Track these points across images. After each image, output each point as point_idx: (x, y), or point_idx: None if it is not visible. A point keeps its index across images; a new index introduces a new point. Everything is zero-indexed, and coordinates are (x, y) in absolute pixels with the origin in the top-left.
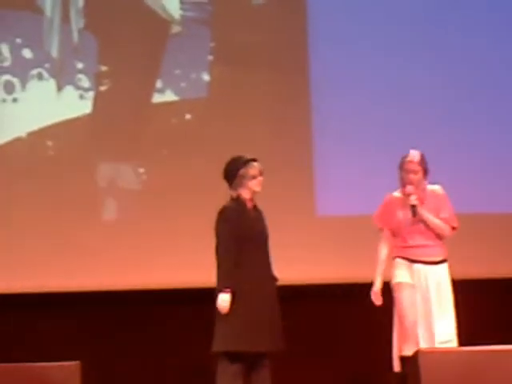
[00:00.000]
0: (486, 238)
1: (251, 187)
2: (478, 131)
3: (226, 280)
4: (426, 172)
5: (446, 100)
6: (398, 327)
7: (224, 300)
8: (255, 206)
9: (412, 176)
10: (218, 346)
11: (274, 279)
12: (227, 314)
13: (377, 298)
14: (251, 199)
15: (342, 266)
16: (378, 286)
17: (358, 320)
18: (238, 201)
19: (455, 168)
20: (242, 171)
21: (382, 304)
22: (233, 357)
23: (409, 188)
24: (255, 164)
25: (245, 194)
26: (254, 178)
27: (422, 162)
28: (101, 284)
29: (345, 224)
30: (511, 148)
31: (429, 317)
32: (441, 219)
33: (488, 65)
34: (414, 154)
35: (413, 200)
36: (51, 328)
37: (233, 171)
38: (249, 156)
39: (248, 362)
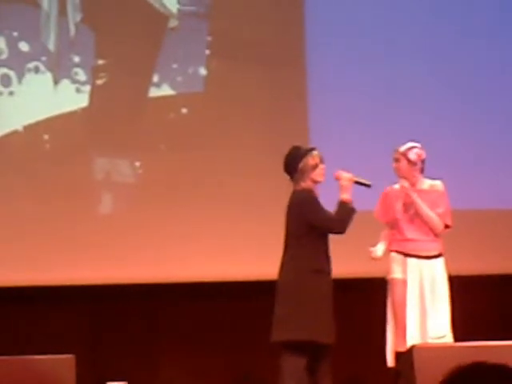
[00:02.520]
0: (483, 234)
1: (314, 178)
2: (473, 126)
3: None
4: (411, 163)
5: (445, 92)
6: (392, 323)
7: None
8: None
9: (395, 164)
10: (294, 334)
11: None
12: (308, 304)
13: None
14: (315, 189)
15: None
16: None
17: (355, 314)
18: (306, 191)
19: (452, 163)
20: (301, 164)
21: (381, 299)
22: (304, 348)
23: (402, 182)
24: (314, 153)
25: (308, 186)
26: (315, 168)
27: (408, 152)
28: (97, 278)
29: None
30: (507, 144)
31: (424, 311)
32: (435, 214)
33: (481, 60)
34: (403, 145)
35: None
36: (45, 321)
37: (292, 165)
38: (307, 146)
39: (315, 353)
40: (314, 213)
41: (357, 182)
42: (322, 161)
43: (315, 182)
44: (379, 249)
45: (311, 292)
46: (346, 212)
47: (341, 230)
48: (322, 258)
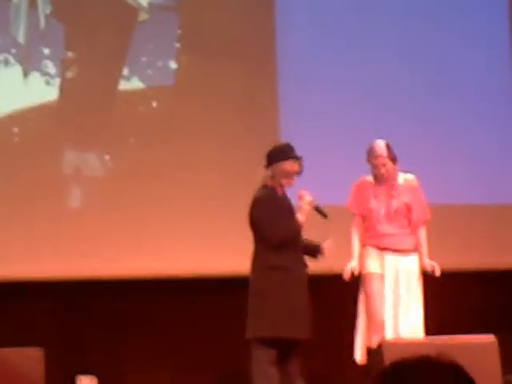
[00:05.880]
0: (458, 229)
1: (282, 183)
2: (446, 122)
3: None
4: (394, 161)
5: (418, 89)
6: (366, 318)
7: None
8: (285, 195)
9: (383, 169)
10: (256, 331)
11: (305, 266)
12: (265, 301)
13: (347, 273)
14: (281, 189)
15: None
16: (352, 264)
17: (328, 311)
18: (268, 190)
19: (425, 158)
20: (280, 163)
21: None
22: (269, 343)
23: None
24: (296, 163)
25: (274, 185)
26: (287, 175)
27: (389, 152)
28: (68, 272)
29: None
30: (483, 139)
31: (397, 307)
32: (414, 221)
33: (457, 59)
34: (380, 147)
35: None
36: (14, 315)
37: (273, 159)
38: (298, 152)
39: (283, 348)
40: (258, 215)
41: (315, 208)
42: (299, 172)
43: (282, 186)
44: (353, 266)
45: (268, 288)
46: (291, 230)
47: (272, 241)
48: (283, 253)
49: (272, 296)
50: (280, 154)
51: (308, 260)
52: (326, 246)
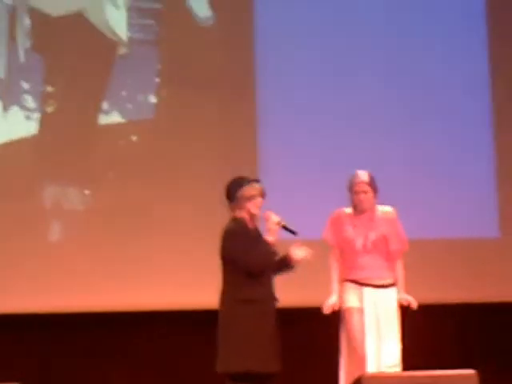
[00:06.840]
0: (434, 263)
1: (248, 209)
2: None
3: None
4: (375, 192)
5: (395, 121)
6: (348, 352)
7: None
8: (256, 228)
9: (363, 196)
10: (228, 366)
11: (275, 300)
12: (235, 335)
13: (328, 308)
14: (251, 220)
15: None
16: (332, 300)
17: (302, 344)
18: (237, 222)
19: (402, 193)
20: (239, 193)
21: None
22: (241, 377)
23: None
24: (255, 185)
25: (243, 216)
26: (251, 199)
27: (371, 181)
28: (46, 306)
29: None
30: (456, 171)
31: (379, 341)
32: (392, 253)
33: (441, 82)
34: (362, 174)
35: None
36: None
37: (231, 192)
38: (251, 176)
39: (255, 382)
40: (231, 246)
41: (283, 227)
42: (262, 194)
43: (250, 213)
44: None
45: (238, 322)
46: (266, 255)
47: (254, 270)
48: (253, 287)
49: (242, 330)
50: (234, 185)
51: (288, 274)
52: (292, 251)
